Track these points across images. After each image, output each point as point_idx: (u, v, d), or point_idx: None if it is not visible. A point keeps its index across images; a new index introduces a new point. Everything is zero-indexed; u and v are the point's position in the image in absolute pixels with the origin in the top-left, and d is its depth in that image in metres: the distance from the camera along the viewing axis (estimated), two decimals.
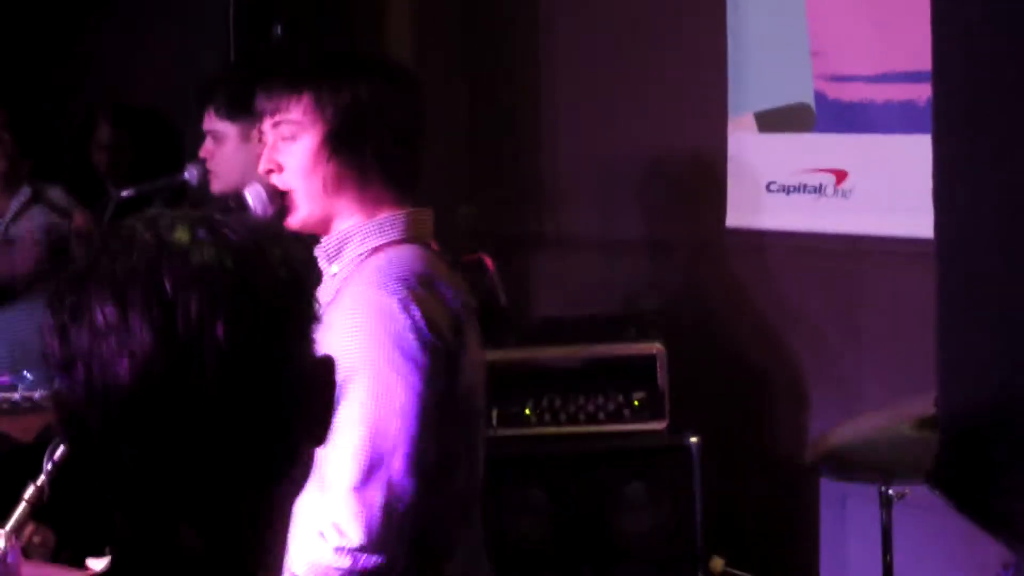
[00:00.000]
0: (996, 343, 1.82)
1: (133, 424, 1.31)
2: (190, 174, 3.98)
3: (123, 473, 1.34)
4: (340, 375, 2.38)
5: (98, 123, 5.38)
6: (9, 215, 4.88)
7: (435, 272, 2.57)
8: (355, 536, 2.41)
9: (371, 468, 2.42)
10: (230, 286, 1.32)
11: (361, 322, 2.46)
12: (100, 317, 1.30)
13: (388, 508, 2.42)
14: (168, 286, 1.30)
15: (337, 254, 2.64)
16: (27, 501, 2.48)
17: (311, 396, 1.40)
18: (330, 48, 4.23)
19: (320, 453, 2.42)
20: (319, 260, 2.67)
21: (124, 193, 3.88)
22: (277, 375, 1.34)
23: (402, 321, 2.45)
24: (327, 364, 1.42)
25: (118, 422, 1.31)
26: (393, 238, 2.62)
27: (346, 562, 2.40)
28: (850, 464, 3.80)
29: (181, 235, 1.34)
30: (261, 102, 2.69)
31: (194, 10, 5.03)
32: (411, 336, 2.45)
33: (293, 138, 2.64)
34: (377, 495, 2.41)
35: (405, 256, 2.58)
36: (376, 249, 2.60)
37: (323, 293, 2.61)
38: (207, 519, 1.35)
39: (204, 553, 1.36)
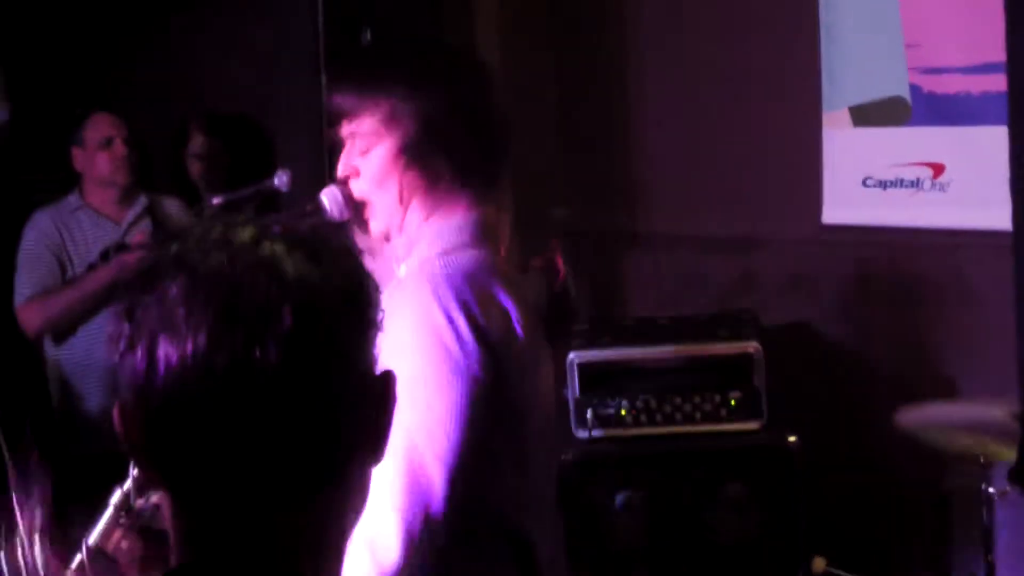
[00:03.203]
0: None
1: (188, 401, 1.31)
2: (280, 180, 4.00)
3: (182, 468, 1.34)
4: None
5: (191, 133, 5.44)
6: (125, 224, 4.98)
7: (491, 278, 2.53)
8: (393, 551, 2.37)
9: (411, 479, 2.38)
10: (296, 278, 1.32)
11: (407, 328, 2.43)
12: (171, 290, 1.31)
13: (428, 521, 2.38)
14: (236, 271, 1.31)
15: (407, 254, 2.62)
16: (114, 506, 2.49)
17: (367, 406, 1.39)
18: (416, 52, 4.23)
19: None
20: (391, 263, 2.65)
21: (215, 200, 3.91)
22: (337, 373, 1.34)
23: (448, 333, 2.41)
24: (387, 378, 1.42)
25: (175, 396, 1.31)
26: (458, 242, 2.59)
27: None
28: (944, 435, 3.77)
29: (247, 234, 1.36)
30: (340, 106, 2.68)
31: (282, 16, 5.06)
32: (456, 348, 2.41)
33: (371, 144, 2.62)
34: (417, 508, 2.38)
35: (461, 262, 2.54)
36: (442, 252, 2.58)
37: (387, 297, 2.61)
38: (259, 516, 1.35)
39: (256, 550, 1.35)
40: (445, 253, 2.57)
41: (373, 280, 1.42)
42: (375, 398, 1.41)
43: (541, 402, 2.61)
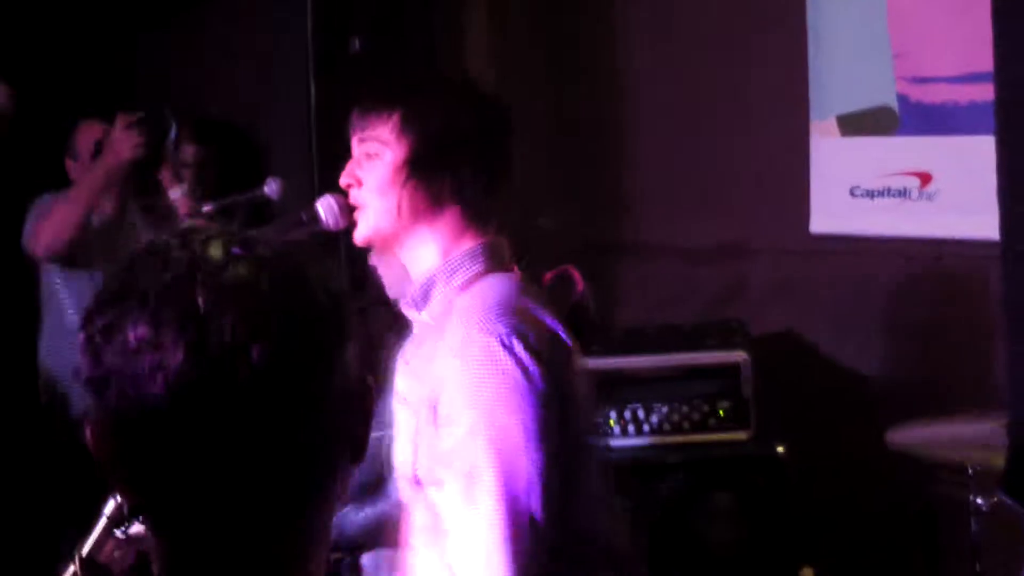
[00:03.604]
0: None
1: (165, 443, 1.29)
2: (270, 188, 4.00)
3: (156, 493, 1.33)
4: (458, 422, 2.38)
5: (181, 140, 5.43)
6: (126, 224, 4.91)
7: (527, 298, 2.55)
8: None
9: (512, 517, 2.39)
10: (264, 304, 1.30)
11: (466, 367, 2.44)
12: (132, 335, 1.28)
13: (533, 548, 2.40)
14: (201, 303, 1.28)
15: (424, 300, 2.62)
16: (107, 517, 2.49)
17: (346, 416, 1.38)
18: (412, 62, 4.23)
19: (450, 514, 2.43)
20: (406, 311, 2.66)
21: (205, 208, 3.90)
22: (311, 394, 1.33)
23: (505, 359, 2.42)
24: (363, 385, 1.40)
25: (150, 439, 1.30)
26: (476, 271, 2.60)
27: None
28: (932, 445, 3.78)
29: (215, 251, 1.32)
30: (353, 117, 2.69)
31: (272, 24, 5.06)
32: (517, 373, 2.42)
33: (376, 156, 2.63)
34: (523, 540, 2.39)
35: (495, 289, 2.55)
36: (464, 284, 2.59)
37: (418, 344, 2.61)
38: (242, 537, 1.34)
39: (239, 570, 1.35)
40: (468, 285, 2.58)
41: (345, 292, 1.41)
42: (353, 409, 1.39)
43: (591, 406, 2.64)
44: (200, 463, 1.30)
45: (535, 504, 2.39)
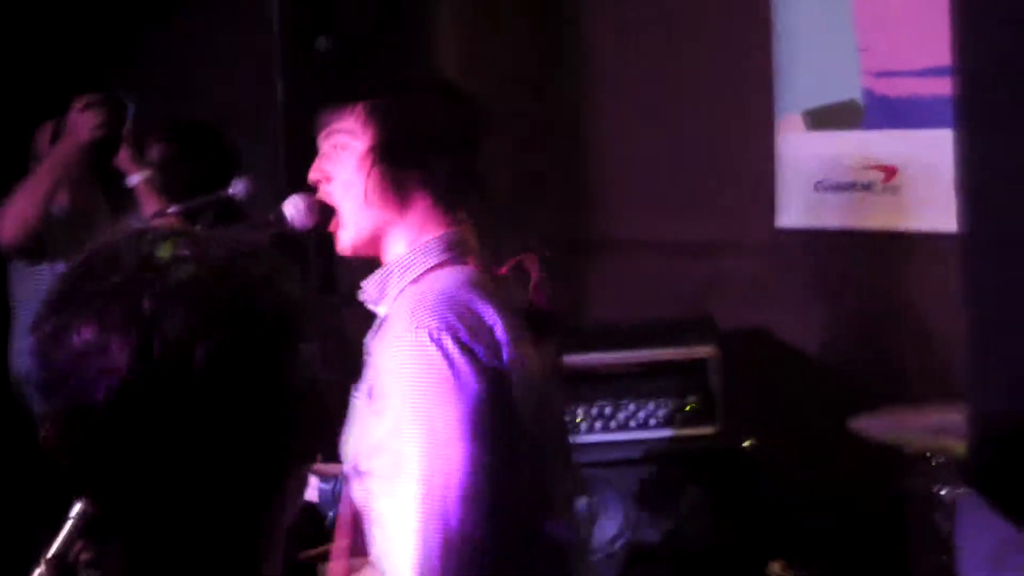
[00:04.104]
0: None
1: (113, 445, 1.30)
2: (237, 188, 3.99)
3: (106, 495, 1.34)
4: (387, 413, 2.39)
5: (148, 141, 5.40)
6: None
7: (474, 292, 2.54)
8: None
9: (434, 511, 2.39)
10: (210, 304, 1.30)
11: (399, 361, 2.45)
12: (78, 338, 1.29)
13: (447, 546, 2.41)
14: (146, 305, 1.29)
15: (381, 293, 2.63)
16: (75, 518, 2.49)
17: (301, 416, 1.38)
18: (380, 60, 4.24)
19: (380, 502, 2.44)
20: (368, 304, 2.67)
21: (171, 209, 3.89)
22: (259, 395, 1.33)
23: (434, 353, 2.43)
24: (320, 386, 1.40)
25: (99, 443, 1.31)
26: (430, 264, 2.61)
27: None
28: (899, 437, 3.81)
29: (164, 252, 1.33)
30: (319, 117, 2.70)
31: (238, 23, 5.06)
32: (444, 367, 2.42)
33: (343, 147, 2.64)
34: (436, 536, 2.40)
35: (440, 282, 2.56)
36: (417, 278, 2.60)
37: (373, 335, 2.63)
38: (193, 538, 1.35)
39: (192, 572, 1.35)
40: (419, 278, 2.59)
41: (301, 293, 1.40)
42: (308, 410, 1.39)
43: (547, 401, 2.64)
44: (147, 465, 1.31)
45: (459, 499, 2.40)
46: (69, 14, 5.54)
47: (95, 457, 1.32)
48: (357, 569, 2.75)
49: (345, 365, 2.79)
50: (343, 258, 2.74)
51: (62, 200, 4.67)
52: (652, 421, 4.47)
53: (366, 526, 2.62)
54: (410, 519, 2.39)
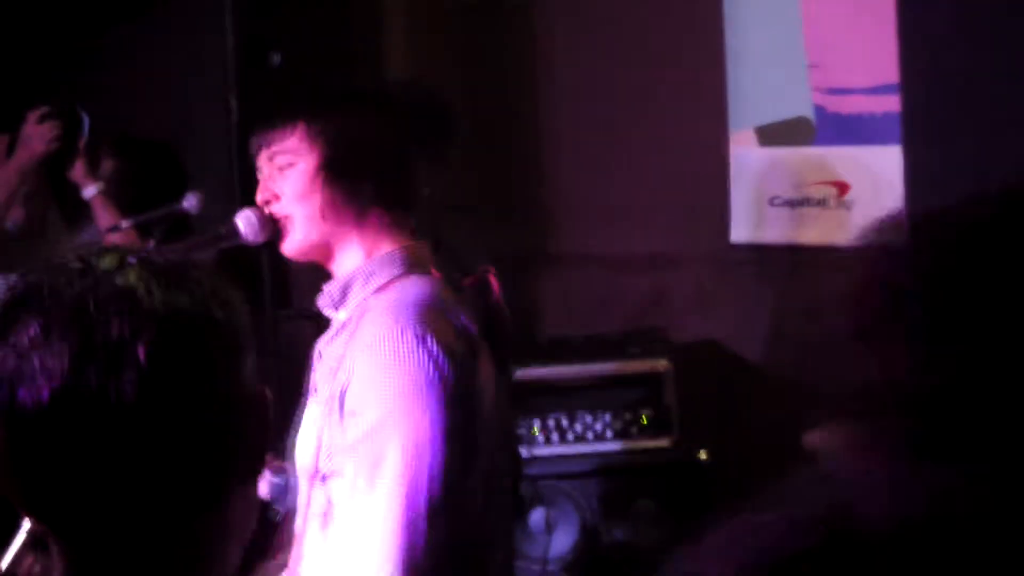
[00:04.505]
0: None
1: (51, 444, 1.31)
2: (189, 203, 3.99)
3: (45, 500, 1.34)
4: (366, 413, 2.40)
5: (101, 156, 5.38)
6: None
7: (444, 300, 2.57)
8: None
9: (409, 506, 2.41)
10: (151, 308, 1.32)
11: (380, 360, 2.46)
12: (24, 338, 1.31)
13: (411, 547, 2.41)
14: (90, 307, 1.31)
15: (343, 299, 2.63)
16: (27, 531, 2.47)
17: (240, 426, 1.39)
18: (328, 78, 4.24)
19: (344, 501, 2.44)
20: (324, 310, 2.67)
21: (124, 223, 3.89)
22: (200, 403, 1.34)
23: (420, 354, 2.44)
24: (261, 399, 1.42)
25: (37, 442, 1.31)
26: (396, 273, 2.62)
27: None
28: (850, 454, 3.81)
29: (110, 261, 1.36)
30: (257, 137, 2.70)
31: (191, 40, 5.04)
32: (430, 368, 2.44)
33: (290, 166, 2.64)
34: (417, 531, 2.41)
35: (413, 288, 2.57)
36: (382, 287, 2.60)
37: (330, 340, 2.63)
38: (132, 545, 1.35)
39: None
40: (387, 285, 2.59)
41: (241, 302, 1.42)
42: (249, 420, 1.40)
43: (500, 415, 2.65)
44: (84, 467, 1.31)
45: (434, 497, 2.41)
46: (22, 27, 5.51)
47: (32, 458, 1.32)
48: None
49: (292, 373, 2.80)
50: (296, 271, 2.75)
51: (16, 214, 4.65)
52: (608, 433, 4.48)
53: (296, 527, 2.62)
54: (380, 519, 2.40)
